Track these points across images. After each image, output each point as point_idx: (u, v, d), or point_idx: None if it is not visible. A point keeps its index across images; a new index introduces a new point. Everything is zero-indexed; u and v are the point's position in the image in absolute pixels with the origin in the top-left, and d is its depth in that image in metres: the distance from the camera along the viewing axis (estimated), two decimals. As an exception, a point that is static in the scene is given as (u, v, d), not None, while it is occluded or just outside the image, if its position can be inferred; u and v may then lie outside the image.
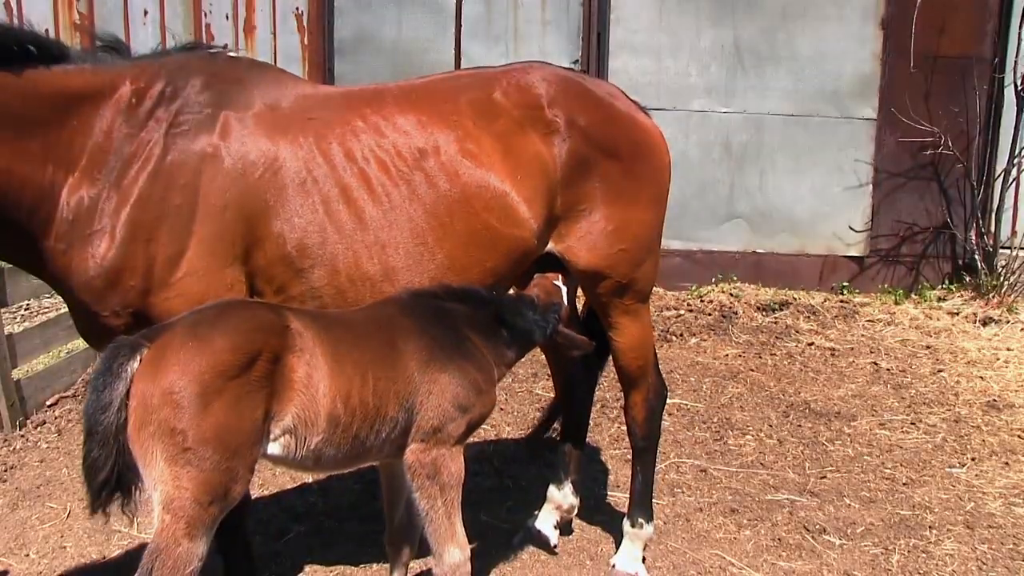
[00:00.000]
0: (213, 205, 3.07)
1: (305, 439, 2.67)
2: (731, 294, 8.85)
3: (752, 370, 7.08)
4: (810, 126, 9.21)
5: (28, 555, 4.41)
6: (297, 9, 10.16)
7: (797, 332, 8.04)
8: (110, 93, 3.07)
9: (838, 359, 7.38)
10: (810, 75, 9.16)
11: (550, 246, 3.55)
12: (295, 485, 5.07)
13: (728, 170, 9.25)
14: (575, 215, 3.52)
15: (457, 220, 3.27)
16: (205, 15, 10.43)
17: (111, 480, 2.53)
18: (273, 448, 2.66)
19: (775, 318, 8.38)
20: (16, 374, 6.30)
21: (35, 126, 2.93)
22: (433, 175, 3.27)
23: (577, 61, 9.25)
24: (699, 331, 8.02)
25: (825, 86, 9.17)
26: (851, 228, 9.26)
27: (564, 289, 3.35)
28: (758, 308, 8.57)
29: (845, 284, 9.23)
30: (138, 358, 2.50)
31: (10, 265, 6.65)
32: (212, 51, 3.51)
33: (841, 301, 8.86)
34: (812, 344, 7.74)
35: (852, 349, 7.61)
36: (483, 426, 5.65)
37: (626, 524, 4.09)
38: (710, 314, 8.43)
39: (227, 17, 10.39)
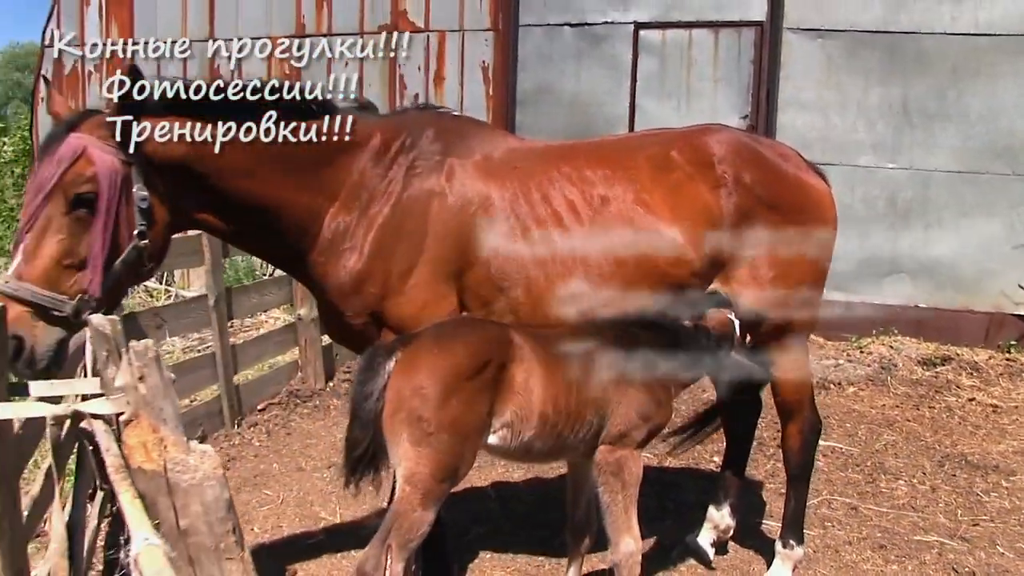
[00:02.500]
0: (438, 232, 3.77)
1: (520, 433, 3.25)
2: (891, 346, 8.93)
3: (909, 420, 7.23)
4: (979, 183, 9.23)
5: (253, 529, 5.20)
6: (484, 62, 10.97)
7: (958, 387, 8.07)
8: (366, 143, 3.82)
9: (1000, 416, 7.39)
10: (980, 132, 9.20)
11: (717, 286, 4.02)
12: (476, 492, 5.69)
13: (892, 224, 9.40)
14: (739, 261, 3.98)
15: (628, 258, 3.82)
16: (400, 66, 11.41)
17: (365, 456, 3.19)
18: (493, 439, 3.25)
19: (936, 372, 8.42)
20: (235, 380, 7.25)
21: (314, 167, 3.72)
22: (611, 219, 3.85)
23: (746, 116, 9.66)
24: (857, 380, 8.20)
25: (996, 143, 9.18)
26: (1021, 286, 9.17)
27: (737, 323, 3.83)
28: (918, 362, 8.63)
29: (1012, 343, 9.10)
30: (394, 359, 3.15)
31: (236, 285, 7.71)
32: (440, 110, 4.29)
33: (1007, 360, 8.76)
34: (973, 400, 7.77)
35: (1017, 407, 7.58)
36: (648, 454, 6.16)
37: (778, 545, 4.46)
38: (869, 365, 8.57)
39: (419, 68, 11.34)
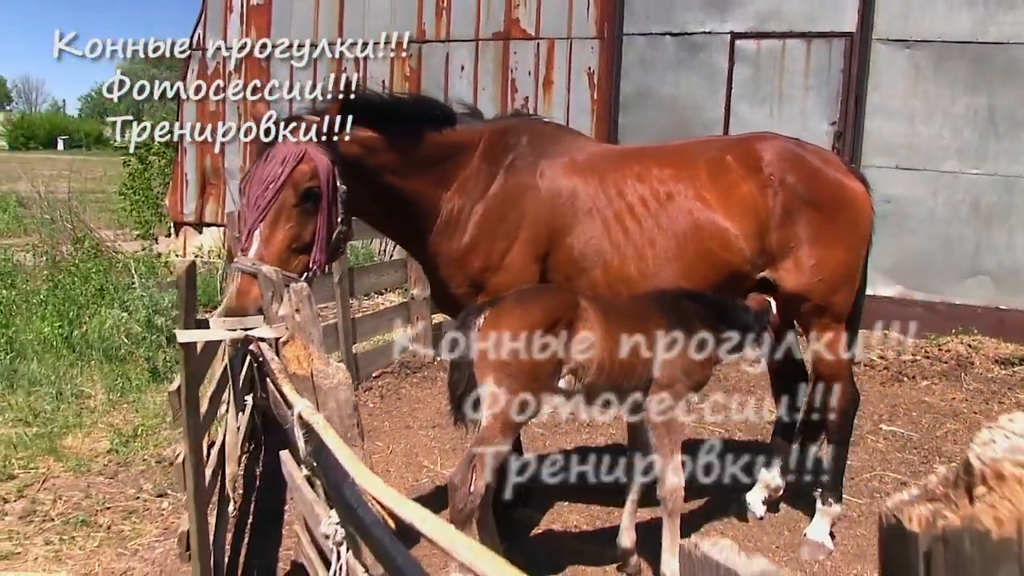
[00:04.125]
0: (531, 219, 4.51)
1: (583, 379, 3.99)
2: (970, 345, 9.20)
3: (976, 412, 7.58)
4: (1067, 191, 9.40)
5: (363, 472, 6.07)
6: (589, 68, 11.66)
7: (1034, 386, 8.34)
8: (475, 144, 4.58)
9: (1072, 415, 7.65)
10: (1070, 141, 9.36)
11: (766, 273, 4.65)
12: (567, 452, 6.44)
13: (975, 229, 9.65)
14: (785, 251, 4.61)
15: (689, 244, 4.50)
16: (511, 71, 12.19)
17: (464, 395, 3.95)
18: (561, 383, 3.99)
19: (1012, 371, 8.68)
20: (354, 349, 8.21)
21: (439, 164, 4.48)
22: (674, 212, 4.53)
23: (835, 123, 10.08)
24: (932, 376, 8.57)
25: (1087, 152, 9.33)
26: (1107, 292, 9.33)
27: (774, 304, 4.47)
28: (996, 361, 8.90)
29: (1096, 347, 9.25)
30: (483, 317, 3.91)
31: (358, 266, 8.62)
32: (533, 117, 5.07)
33: (1089, 363, 8.95)
34: (1048, 398, 8.04)
35: (1091, 408, 7.84)
36: (722, 429, 6.79)
37: (819, 503, 5.05)
38: (946, 362, 8.89)
39: (529, 73, 12.10)
